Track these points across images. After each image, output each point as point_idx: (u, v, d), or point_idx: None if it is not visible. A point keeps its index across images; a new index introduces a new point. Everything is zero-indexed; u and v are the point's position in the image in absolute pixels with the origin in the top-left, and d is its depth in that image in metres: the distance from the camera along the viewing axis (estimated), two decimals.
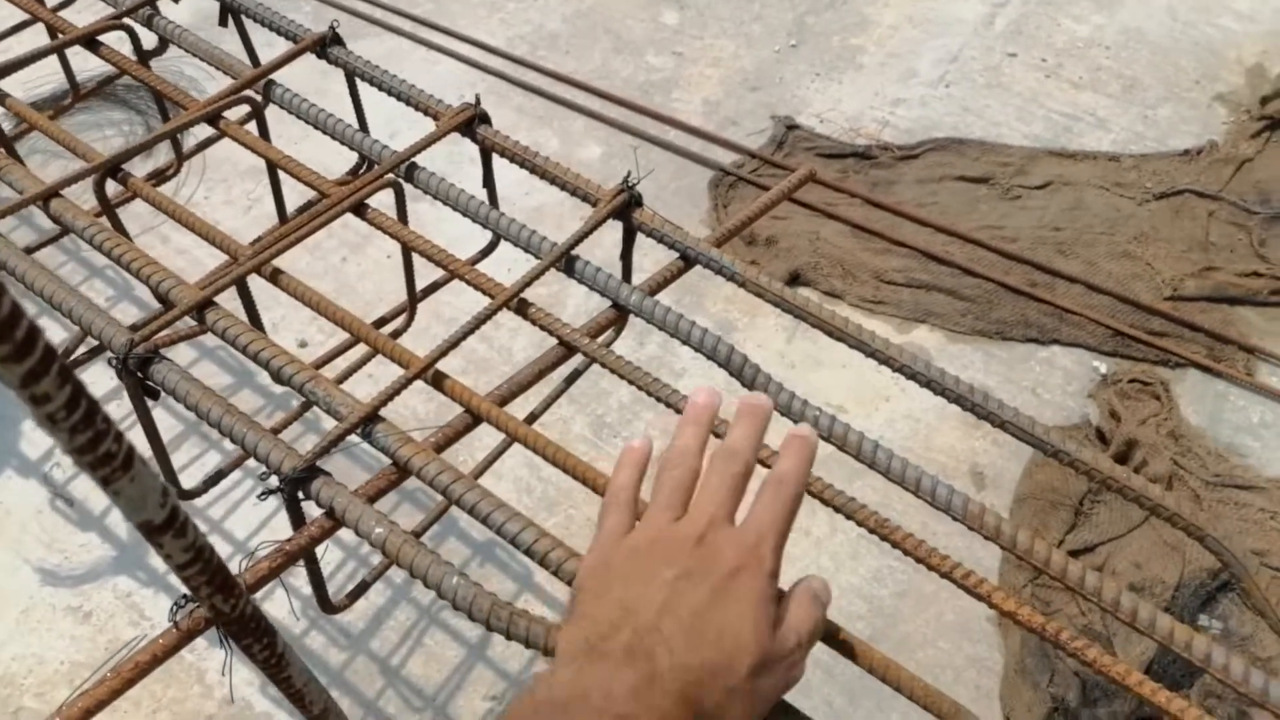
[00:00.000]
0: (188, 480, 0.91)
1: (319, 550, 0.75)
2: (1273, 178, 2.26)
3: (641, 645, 0.45)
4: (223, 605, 0.42)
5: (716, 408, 0.58)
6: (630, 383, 0.78)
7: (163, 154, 2.00)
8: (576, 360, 0.84)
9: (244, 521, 1.78)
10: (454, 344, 0.76)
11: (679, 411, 0.72)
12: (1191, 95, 2.44)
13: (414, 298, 1.02)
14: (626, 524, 0.54)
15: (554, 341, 0.80)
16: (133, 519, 0.33)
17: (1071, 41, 2.55)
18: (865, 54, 2.62)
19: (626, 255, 0.94)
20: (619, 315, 0.84)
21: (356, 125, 1.10)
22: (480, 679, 1.64)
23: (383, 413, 0.71)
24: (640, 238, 0.89)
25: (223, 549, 1.73)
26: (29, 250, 0.81)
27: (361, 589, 0.89)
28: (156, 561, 1.76)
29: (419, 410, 1.90)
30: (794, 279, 2.14)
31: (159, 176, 1.18)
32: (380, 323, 1.05)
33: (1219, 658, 0.62)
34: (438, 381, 0.76)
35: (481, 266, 0.88)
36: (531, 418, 1.01)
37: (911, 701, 0.62)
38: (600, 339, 0.85)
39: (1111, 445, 1.82)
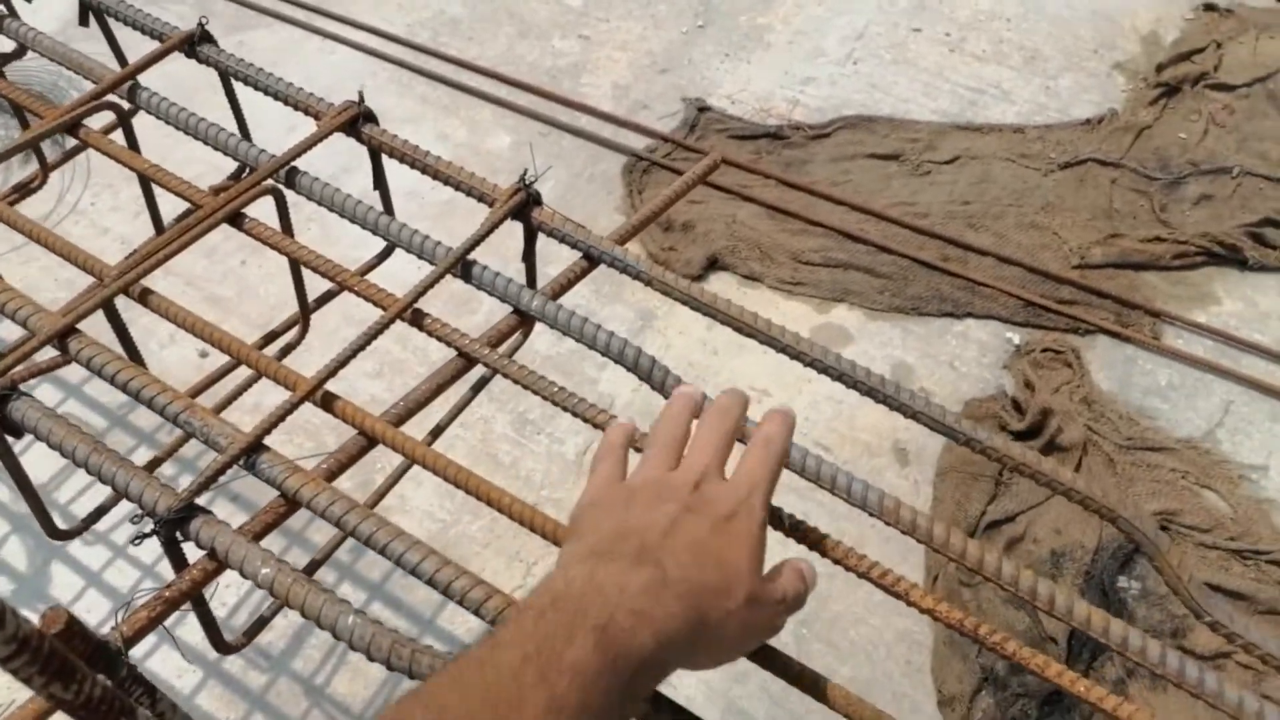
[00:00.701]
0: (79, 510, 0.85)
1: (211, 588, 0.69)
2: (1170, 144, 2.32)
3: (650, 554, 0.46)
4: (64, 694, 0.38)
5: (701, 399, 0.61)
6: (535, 392, 0.74)
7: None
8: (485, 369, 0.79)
9: (131, 565, 1.69)
10: (342, 363, 0.71)
11: (587, 421, 0.70)
12: (1091, 65, 2.49)
13: (306, 309, 0.96)
14: (620, 473, 0.56)
15: (454, 352, 0.76)
16: None
17: (974, 15, 2.58)
18: (773, 33, 2.60)
19: (528, 257, 0.90)
20: (521, 321, 0.80)
21: (237, 130, 1.04)
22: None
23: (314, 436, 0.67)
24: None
25: (101, 602, 1.63)
26: None
27: (260, 625, 0.84)
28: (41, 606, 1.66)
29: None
30: (712, 264, 2.12)
31: (23, 190, 1.09)
32: (272, 336, 0.99)
33: (1135, 641, 0.62)
34: (327, 403, 0.71)
35: (395, 266, 0.84)
36: (437, 431, 0.97)
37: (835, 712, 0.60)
38: (504, 346, 0.81)
39: (1027, 415, 1.85)
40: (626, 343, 0.77)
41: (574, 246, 0.85)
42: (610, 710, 0.39)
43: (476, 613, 0.61)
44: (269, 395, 1.54)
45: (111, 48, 1.07)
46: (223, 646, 0.76)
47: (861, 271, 2.10)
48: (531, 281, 0.92)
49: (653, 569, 0.45)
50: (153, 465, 0.91)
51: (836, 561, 0.67)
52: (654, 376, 0.77)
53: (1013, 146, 2.30)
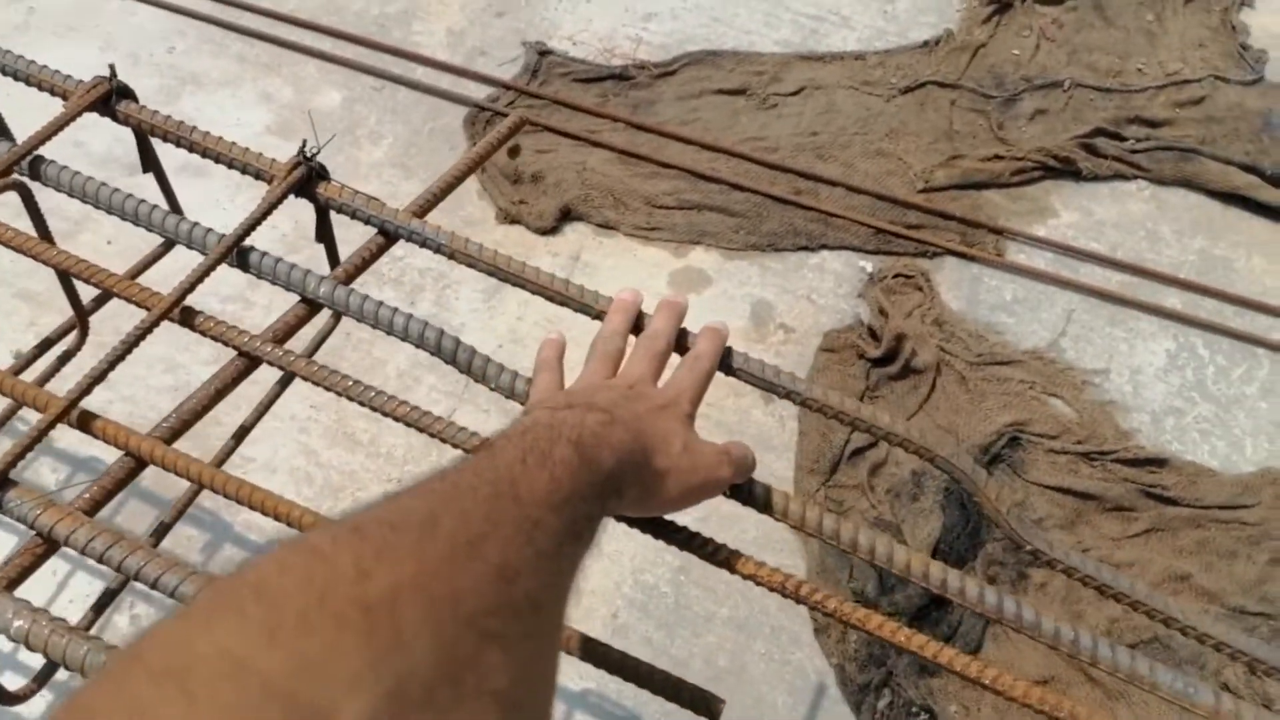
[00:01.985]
0: None
1: None
2: (1005, 61, 2.36)
3: (598, 404, 0.51)
4: None
5: (639, 303, 0.66)
6: (327, 389, 0.69)
7: None
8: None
9: None
10: (98, 378, 0.63)
11: (393, 417, 0.65)
12: None
13: (82, 313, 0.87)
14: (558, 383, 0.61)
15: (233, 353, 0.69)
16: None
17: None
18: None
19: (323, 236, 0.83)
20: (309, 310, 0.73)
21: None
22: None
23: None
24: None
25: None
26: None
27: (51, 670, 0.76)
28: None
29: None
30: (566, 214, 2.07)
31: None
32: (46, 344, 0.89)
33: (972, 591, 0.62)
34: (84, 424, 0.64)
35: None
36: (241, 433, 0.90)
37: None
38: (301, 338, 0.75)
39: (883, 341, 1.88)
40: (426, 324, 0.72)
41: (367, 222, 0.78)
42: (590, 503, 0.43)
43: None
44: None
45: None
46: (7, 698, 0.68)
47: (716, 212, 2.08)
48: (334, 263, 0.85)
49: (602, 412, 0.49)
50: None
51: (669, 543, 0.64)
52: (459, 358, 0.72)
53: (855, 74, 2.30)
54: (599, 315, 0.76)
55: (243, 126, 2.13)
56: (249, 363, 0.69)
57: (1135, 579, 1.64)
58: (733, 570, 0.62)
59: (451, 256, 0.78)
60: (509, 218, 2.05)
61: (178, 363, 1.80)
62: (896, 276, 2.00)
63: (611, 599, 1.66)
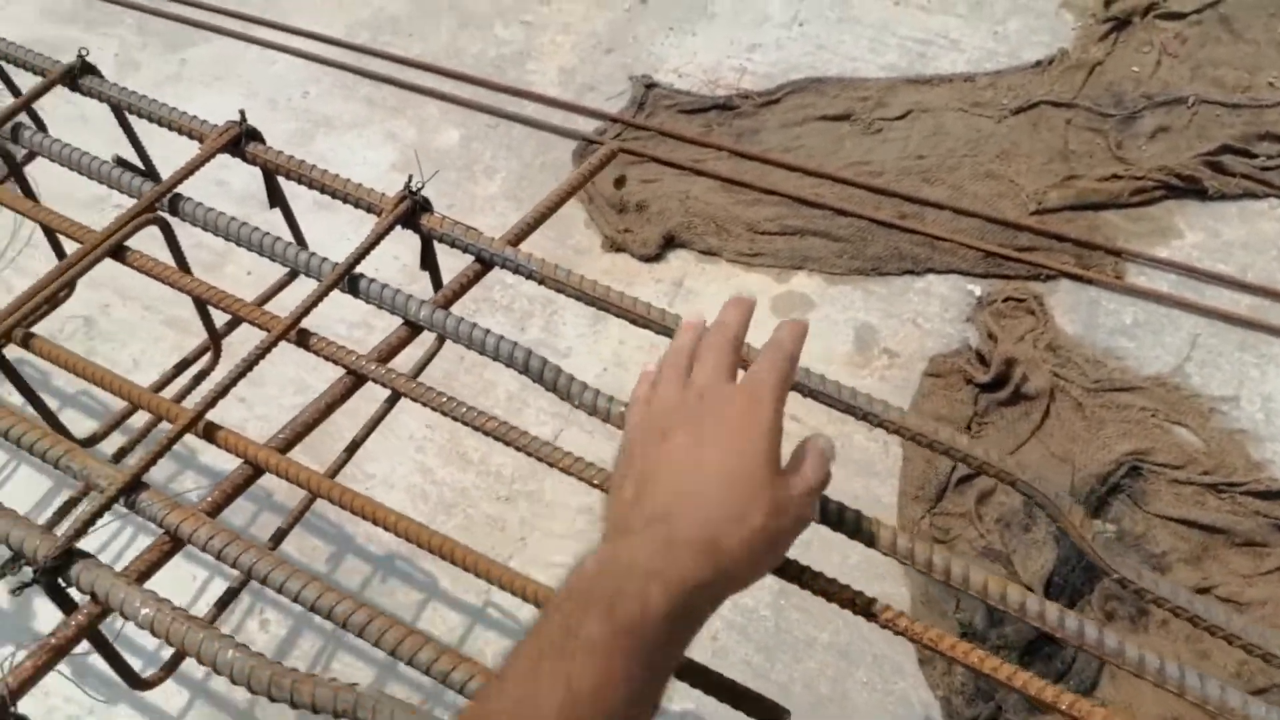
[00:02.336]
0: None
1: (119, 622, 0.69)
2: (1123, 78, 2.28)
3: (659, 512, 0.49)
4: None
5: (705, 324, 0.63)
6: (430, 408, 0.73)
7: None
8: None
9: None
10: (221, 393, 0.70)
11: (493, 437, 0.69)
12: (1038, 5, 2.45)
13: (215, 336, 0.95)
14: (647, 394, 0.59)
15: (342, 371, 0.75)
16: None
17: None
18: (715, 2, 2.57)
19: (428, 265, 0.89)
20: (411, 332, 0.79)
21: (139, 160, 1.03)
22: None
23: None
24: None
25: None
26: None
27: (179, 659, 0.83)
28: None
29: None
30: (669, 242, 2.11)
31: None
32: (183, 365, 0.98)
33: (1089, 633, 0.60)
34: (209, 434, 0.70)
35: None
36: (353, 447, 0.96)
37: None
38: (412, 359, 0.80)
39: (991, 366, 1.84)
40: (515, 345, 0.76)
41: (465, 250, 0.84)
42: (637, 673, 0.42)
43: (376, 644, 0.60)
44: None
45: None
46: (138, 683, 0.76)
47: (819, 236, 2.09)
48: (440, 289, 0.91)
49: (660, 529, 0.48)
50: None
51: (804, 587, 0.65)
52: (545, 377, 0.77)
53: (964, 96, 2.27)
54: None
55: (369, 165, 2.27)
56: (356, 380, 0.75)
57: (1264, 619, 1.54)
58: (830, 599, 0.62)
59: (541, 282, 0.82)
60: (614, 246, 2.10)
61: (307, 384, 1.92)
62: (1007, 300, 1.95)
63: (711, 621, 1.67)
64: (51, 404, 2.10)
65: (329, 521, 1.78)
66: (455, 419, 0.72)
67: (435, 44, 2.51)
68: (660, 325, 0.79)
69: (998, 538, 1.71)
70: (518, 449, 0.71)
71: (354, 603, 0.60)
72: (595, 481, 0.68)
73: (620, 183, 2.19)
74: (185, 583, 1.70)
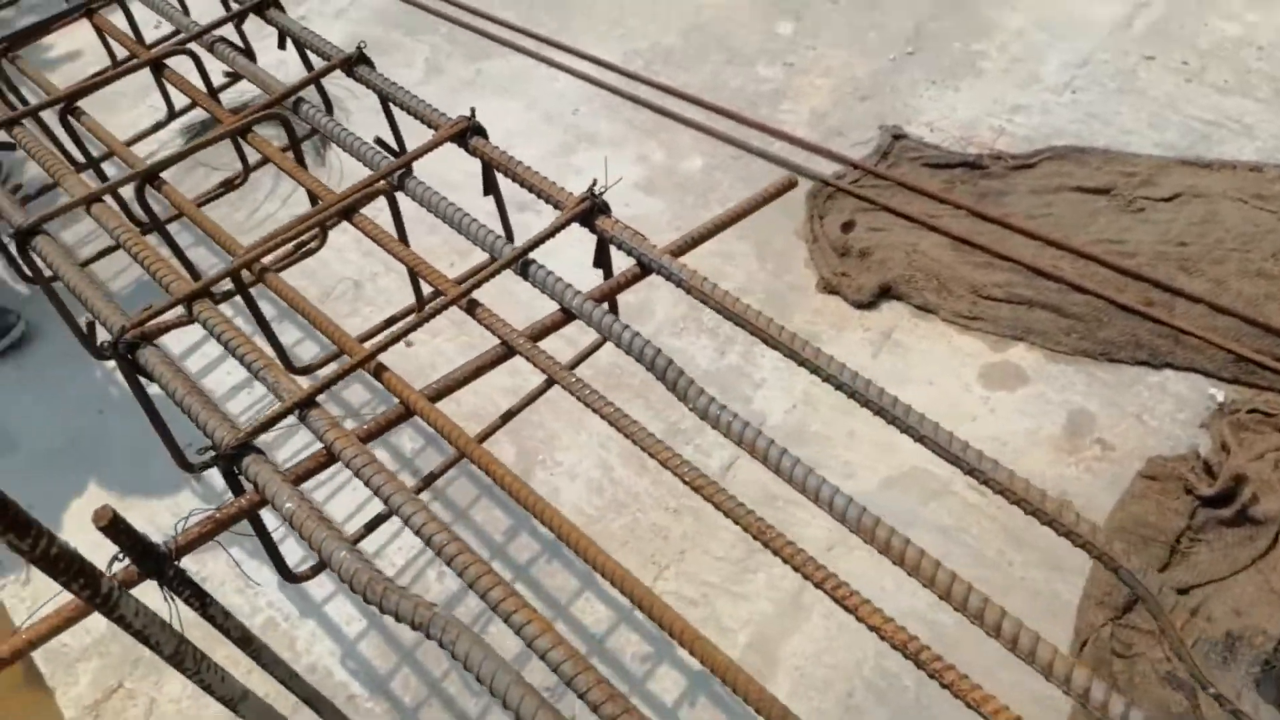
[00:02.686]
0: None
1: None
2: None
3: None
4: (22, 545, 0.49)
5: None
6: (569, 390, 0.81)
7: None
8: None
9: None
10: (396, 338, 0.81)
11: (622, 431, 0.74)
12: None
13: (420, 298, 1.08)
14: None
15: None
16: None
17: (1219, 42, 2.34)
18: (987, 59, 2.51)
19: (600, 263, 0.97)
20: (565, 318, 0.87)
21: (393, 139, 1.19)
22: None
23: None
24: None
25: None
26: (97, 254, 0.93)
27: (322, 565, 0.96)
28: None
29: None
30: (885, 292, 2.08)
31: (229, 185, 1.31)
32: (390, 321, 1.13)
33: None
34: (378, 373, 0.82)
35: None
36: (508, 415, 1.06)
37: None
38: (576, 354, 0.88)
39: (1219, 480, 1.66)
40: (647, 343, 0.82)
41: (629, 254, 0.91)
42: None
43: (484, 597, 0.67)
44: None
45: (320, 96, 1.24)
46: (288, 575, 0.88)
47: (1048, 310, 1.98)
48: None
49: None
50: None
51: (933, 675, 0.66)
52: (679, 387, 0.81)
53: (1246, 186, 2.07)
54: (831, 379, 0.81)
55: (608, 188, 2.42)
56: (506, 351, 0.84)
57: None
58: (969, 705, 0.62)
59: (689, 292, 0.87)
60: (829, 288, 2.11)
61: (516, 367, 2.08)
62: (1252, 412, 1.75)
63: (850, 677, 1.63)
64: (294, 335, 2.37)
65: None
66: (601, 415, 0.78)
67: (699, 76, 2.63)
68: (789, 348, 0.82)
69: (1189, 665, 1.54)
70: (662, 463, 0.76)
71: (474, 557, 0.67)
72: (731, 510, 0.71)
73: (848, 227, 2.20)
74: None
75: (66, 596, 0.67)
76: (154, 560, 0.68)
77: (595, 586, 1.80)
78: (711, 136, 2.47)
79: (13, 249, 0.93)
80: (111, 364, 2.20)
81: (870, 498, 1.80)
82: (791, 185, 1.01)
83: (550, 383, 1.04)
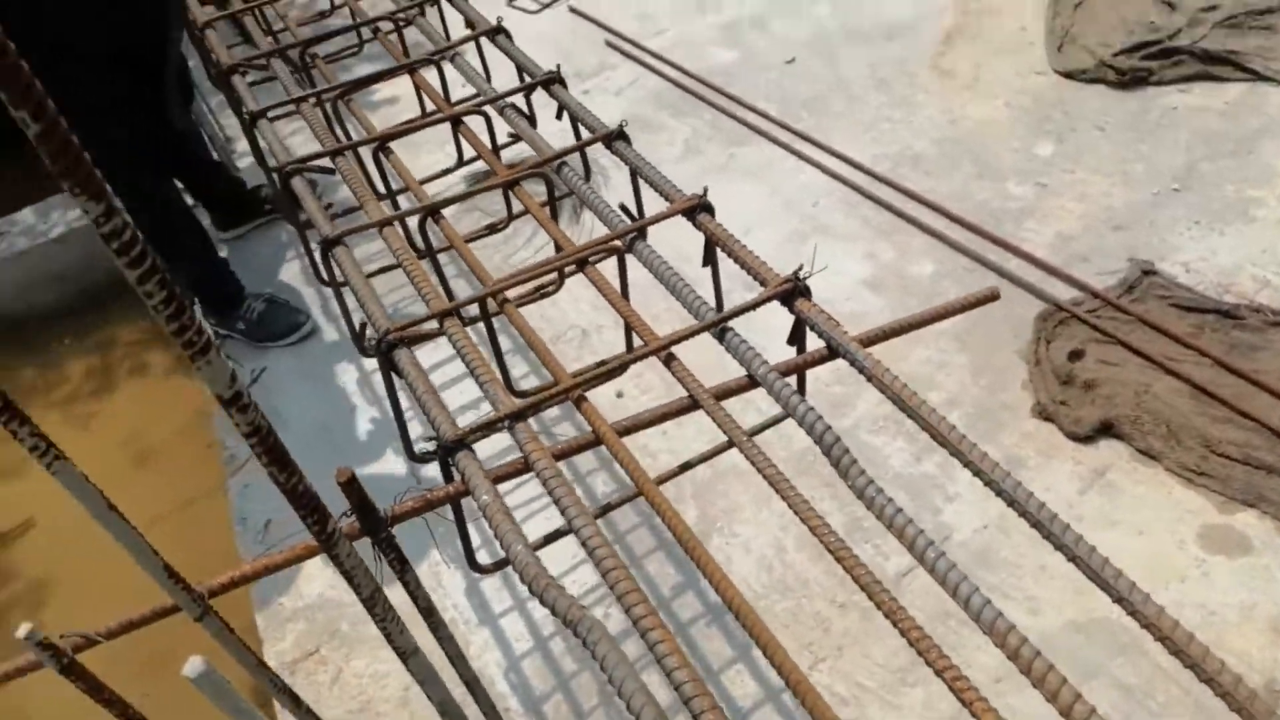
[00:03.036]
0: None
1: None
2: None
3: None
4: (281, 478, 0.63)
5: None
6: (746, 456, 0.89)
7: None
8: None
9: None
10: (597, 376, 0.93)
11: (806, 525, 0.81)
12: None
13: (630, 348, 1.20)
14: None
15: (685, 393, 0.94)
16: (212, 390, 0.55)
17: None
18: (1262, 207, 2.36)
19: (794, 341, 1.05)
20: (749, 384, 0.95)
21: (634, 207, 1.33)
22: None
23: None
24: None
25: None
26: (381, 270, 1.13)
27: (504, 562, 1.08)
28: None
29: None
30: (1105, 429, 1.99)
31: (492, 229, 1.51)
32: (601, 363, 1.25)
33: None
34: (578, 402, 0.93)
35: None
36: (686, 465, 1.14)
37: None
38: (758, 430, 0.96)
39: None
40: (827, 430, 0.88)
41: (820, 336, 0.98)
42: None
43: (644, 637, 0.76)
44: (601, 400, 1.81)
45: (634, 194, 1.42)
46: (474, 565, 1.01)
47: None
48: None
49: None
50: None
51: None
52: (842, 463, 0.87)
53: None
54: (1015, 505, 0.84)
55: (842, 275, 2.49)
56: (691, 404, 0.93)
57: None
58: None
59: (869, 379, 0.93)
60: (1044, 414, 2.05)
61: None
62: None
63: None
64: (520, 368, 2.57)
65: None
66: (777, 490, 0.85)
67: (944, 185, 2.66)
68: (954, 446, 0.85)
69: None
70: (831, 552, 0.82)
71: (641, 596, 0.76)
72: (898, 618, 0.74)
73: (1076, 356, 2.13)
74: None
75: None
76: (373, 521, 0.82)
77: (750, 661, 1.83)
78: (946, 244, 2.48)
79: (318, 254, 1.14)
80: (369, 364, 2.51)
81: (1052, 639, 1.72)
82: (994, 297, 1.04)
83: (730, 444, 1.12)
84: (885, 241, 2.55)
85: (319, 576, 2.09)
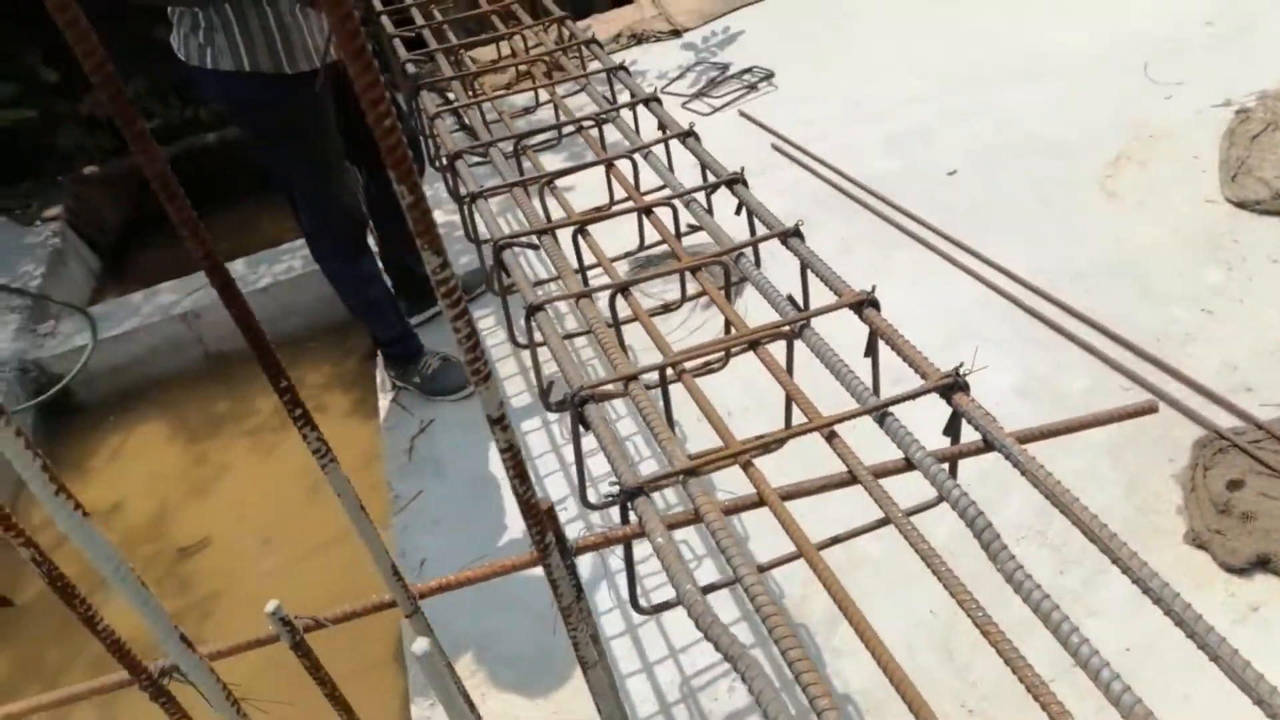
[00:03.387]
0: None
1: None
2: None
3: None
4: (520, 489, 0.76)
5: None
6: (905, 536, 0.97)
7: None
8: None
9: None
10: (766, 444, 1.03)
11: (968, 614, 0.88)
12: None
13: (789, 423, 1.30)
14: None
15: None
16: (485, 410, 0.69)
17: None
18: None
19: (949, 432, 1.12)
20: (906, 466, 1.03)
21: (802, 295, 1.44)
22: None
23: None
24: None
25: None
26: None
27: (668, 605, 1.17)
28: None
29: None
30: (1263, 563, 1.93)
31: (667, 307, 1.65)
32: (760, 437, 1.35)
33: None
34: (745, 466, 1.04)
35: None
36: (835, 539, 1.21)
37: None
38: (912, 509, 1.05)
39: None
40: (987, 525, 0.95)
41: (977, 429, 1.05)
42: None
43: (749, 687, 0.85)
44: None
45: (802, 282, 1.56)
46: (636, 605, 1.11)
47: None
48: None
49: None
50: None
51: None
52: (992, 548, 0.93)
53: None
54: (1171, 614, 0.89)
55: (991, 381, 2.50)
56: (850, 479, 1.02)
57: None
58: None
59: (1023, 473, 0.99)
60: (1198, 542, 2.00)
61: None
62: None
63: None
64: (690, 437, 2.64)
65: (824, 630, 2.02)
66: (932, 570, 0.93)
67: (1105, 304, 2.65)
68: (1135, 574, 0.90)
69: None
70: (983, 632, 0.88)
71: (802, 654, 0.85)
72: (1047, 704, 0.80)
73: (1235, 485, 2.08)
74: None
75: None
76: (564, 547, 0.94)
77: None
78: (1103, 361, 2.47)
79: (521, 319, 1.31)
80: (529, 422, 2.68)
81: None
82: (1152, 409, 1.09)
83: (885, 521, 1.20)
84: (1039, 353, 2.56)
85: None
